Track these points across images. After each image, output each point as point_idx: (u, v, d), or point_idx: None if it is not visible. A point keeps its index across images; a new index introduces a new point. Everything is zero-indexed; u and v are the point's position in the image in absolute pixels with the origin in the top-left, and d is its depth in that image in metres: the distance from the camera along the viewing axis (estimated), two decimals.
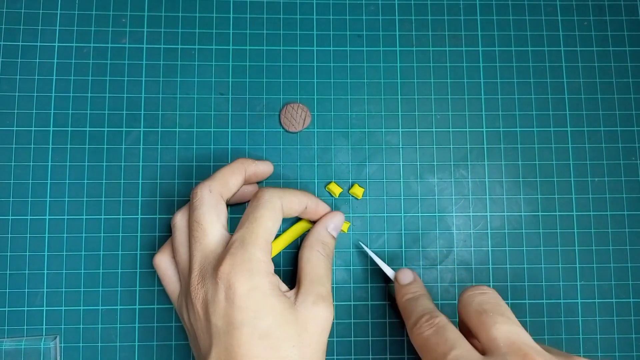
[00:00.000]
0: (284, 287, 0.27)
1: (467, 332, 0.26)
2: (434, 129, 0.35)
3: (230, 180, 0.29)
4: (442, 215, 0.34)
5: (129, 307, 0.32)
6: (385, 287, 0.33)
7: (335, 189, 0.33)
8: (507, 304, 0.33)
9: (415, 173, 0.34)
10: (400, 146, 0.34)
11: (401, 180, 0.34)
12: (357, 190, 0.33)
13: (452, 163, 0.34)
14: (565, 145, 0.35)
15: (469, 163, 0.34)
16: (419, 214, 0.34)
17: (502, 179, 0.34)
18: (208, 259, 0.27)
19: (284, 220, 0.32)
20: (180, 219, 0.29)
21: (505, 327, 0.24)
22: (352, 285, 0.33)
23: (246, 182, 0.31)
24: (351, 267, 0.33)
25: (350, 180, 0.34)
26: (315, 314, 0.27)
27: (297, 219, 0.32)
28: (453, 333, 0.25)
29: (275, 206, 0.28)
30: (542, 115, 0.35)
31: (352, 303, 0.33)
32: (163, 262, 0.29)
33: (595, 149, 0.35)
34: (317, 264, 0.29)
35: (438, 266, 0.33)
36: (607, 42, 0.36)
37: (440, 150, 0.34)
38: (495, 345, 0.24)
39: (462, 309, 0.26)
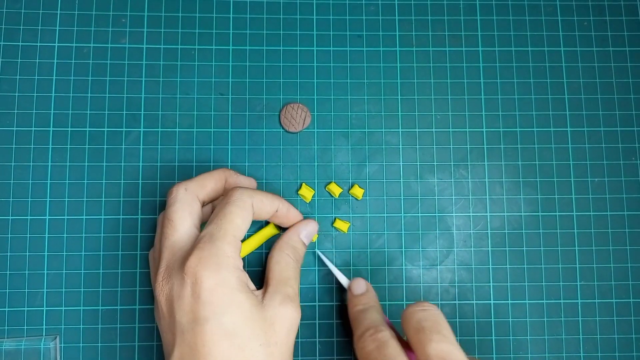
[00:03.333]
0: (252, 285, 0.27)
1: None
2: (434, 129, 0.35)
3: (208, 183, 0.29)
4: (442, 215, 0.34)
5: (129, 307, 0.32)
6: (385, 288, 0.33)
7: (335, 189, 0.33)
8: (507, 304, 0.33)
9: (415, 173, 0.34)
10: (400, 146, 0.34)
11: (401, 180, 0.34)
12: (357, 191, 0.33)
13: (452, 163, 0.34)
14: (565, 145, 0.35)
15: (469, 163, 0.34)
16: (419, 214, 0.34)
17: (502, 179, 0.34)
18: (175, 255, 0.27)
19: (253, 223, 0.32)
20: (160, 217, 0.29)
21: (440, 346, 0.24)
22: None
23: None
24: (351, 267, 0.33)
25: (350, 181, 0.34)
26: (283, 314, 0.27)
27: (266, 224, 0.33)
28: (393, 349, 0.25)
29: (246, 204, 0.28)
30: (542, 115, 0.35)
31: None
32: (150, 258, 0.30)
33: (595, 149, 0.35)
34: (285, 266, 0.29)
35: (438, 266, 0.33)
36: (607, 42, 0.36)
37: (440, 151, 0.34)
38: None
39: (404, 325, 0.26)
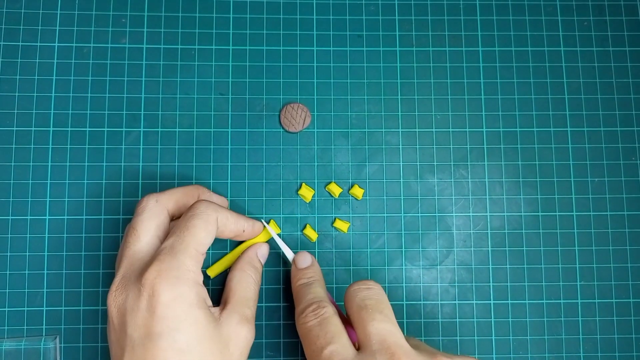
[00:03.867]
0: (209, 302, 0.27)
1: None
2: (434, 129, 0.35)
3: (180, 198, 0.29)
4: (442, 215, 0.34)
5: None
6: (386, 288, 0.33)
7: (335, 189, 0.33)
8: (507, 304, 0.33)
9: (415, 173, 0.34)
10: (400, 146, 0.34)
11: (401, 180, 0.34)
12: (357, 191, 0.33)
13: (452, 163, 0.34)
14: (565, 145, 0.35)
15: (469, 163, 0.34)
16: (419, 214, 0.34)
17: (502, 179, 0.34)
18: (134, 265, 0.26)
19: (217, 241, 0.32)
20: (127, 227, 0.29)
21: (381, 325, 0.24)
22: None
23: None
24: (351, 267, 0.33)
25: (350, 181, 0.34)
26: (239, 334, 0.26)
27: (238, 243, 0.32)
28: (335, 327, 0.25)
29: (210, 218, 0.27)
30: (542, 115, 0.35)
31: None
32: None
33: (595, 149, 0.35)
34: (247, 287, 0.28)
35: (438, 266, 0.33)
36: (607, 42, 0.36)
37: (440, 150, 0.34)
38: (369, 342, 0.24)
39: (346, 302, 0.26)
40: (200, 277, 0.26)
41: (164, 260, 0.25)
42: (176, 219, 0.30)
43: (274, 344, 0.32)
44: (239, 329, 0.26)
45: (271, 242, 0.32)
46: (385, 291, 0.33)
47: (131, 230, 0.27)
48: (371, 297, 0.26)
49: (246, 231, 0.30)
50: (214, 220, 0.27)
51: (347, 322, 0.27)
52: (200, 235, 0.26)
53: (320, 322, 0.26)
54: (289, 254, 0.31)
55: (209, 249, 0.32)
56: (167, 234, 0.28)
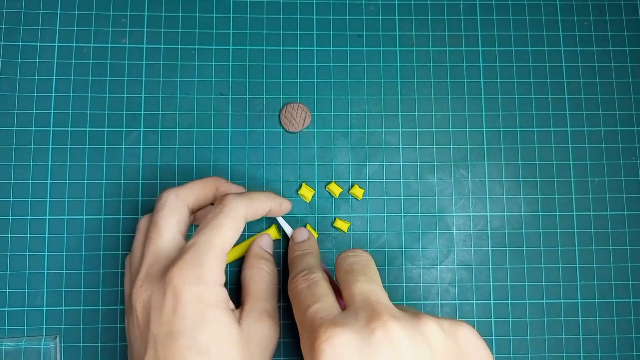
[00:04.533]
0: (232, 304, 0.27)
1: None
2: (434, 129, 0.35)
3: (199, 191, 0.29)
4: (442, 215, 0.34)
5: None
6: (386, 288, 0.33)
7: (335, 189, 0.33)
8: (507, 304, 0.33)
9: (415, 173, 0.34)
10: (400, 146, 0.34)
11: (401, 180, 0.34)
12: (357, 191, 0.33)
13: (452, 163, 0.34)
14: (565, 145, 0.35)
15: (469, 163, 0.34)
16: (419, 214, 0.34)
17: (502, 179, 0.34)
18: (159, 262, 0.26)
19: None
20: (143, 222, 0.29)
21: (365, 286, 0.25)
22: None
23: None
24: None
25: (350, 181, 0.34)
26: (259, 332, 0.26)
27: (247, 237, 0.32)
28: (322, 288, 0.25)
29: (239, 216, 0.27)
30: (542, 115, 0.35)
31: None
32: (126, 263, 0.29)
33: (595, 149, 0.35)
34: (260, 281, 0.28)
35: (438, 266, 0.33)
36: (607, 42, 0.36)
37: (440, 150, 0.34)
38: (353, 300, 0.24)
39: (335, 268, 0.27)
40: (222, 279, 0.26)
41: (187, 260, 0.25)
42: (195, 211, 0.30)
43: None
44: (259, 326, 0.26)
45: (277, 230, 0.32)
46: (386, 290, 0.33)
47: (153, 227, 0.27)
48: (358, 262, 0.26)
49: (272, 210, 0.30)
50: (243, 218, 0.27)
51: (337, 291, 0.27)
52: (228, 235, 0.26)
53: (309, 285, 0.26)
54: (288, 230, 0.32)
55: None
56: (187, 228, 0.28)
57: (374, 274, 0.26)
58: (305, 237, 0.31)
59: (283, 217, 0.32)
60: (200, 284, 0.24)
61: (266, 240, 0.31)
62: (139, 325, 0.25)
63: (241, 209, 0.27)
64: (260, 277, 0.29)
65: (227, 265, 0.33)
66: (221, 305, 0.25)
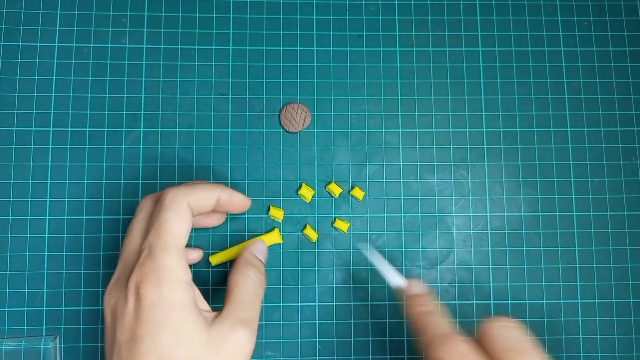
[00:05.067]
0: (204, 304, 0.26)
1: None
2: (434, 129, 0.35)
3: (204, 196, 0.27)
4: (442, 215, 0.34)
5: None
6: (385, 288, 0.33)
7: (335, 189, 0.33)
8: (508, 304, 0.33)
9: (415, 173, 0.34)
10: (400, 146, 0.34)
11: (401, 180, 0.34)
12: (358, 193, 0.33)
13: (452, 163, 0.34)
14: (565, 145, 0.35)
15: (469, 163, 0.34)
16: (419, 214, 0.34)
17: (502, 179, 0.34)
18: (126, 267, 0.25)
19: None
20: (146, 205, 0.27)
21: None
22: (352, 285, 0.33)
23: (218, 209, 0.29)
24: (351, 267, 0.33)
25: (350, 181, 0.34)
26: (232, 338, 0.25)
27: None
28: None
29: (181, 207, 0.25)
30: (542, 116, 0.35)
31: (352, 303, 0.33)
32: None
33: (595, 149, 0.35)
34: (244, 288, 0.27)
35: (438, 266, 0.33)
36: (607, 42, 0.36)
37: (440, 150, 0.34)
38: None
39: (487, 340, 0.24)
40: (187, 274, 0.25)
41: (143, 264, 0.24)
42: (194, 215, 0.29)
43: (274, 344, 0.32)
44: (233, 333, 0.25)
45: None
46: (385, 292, 0.33)
47: (127, 231, 0.27)
48: (518, 337, 0.24)
49: (221, 199, 0.28)
50: (186, 207, 0.26)
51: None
52: (176, 229, 0.25)
53: None
54: (396, 280, 0.30)
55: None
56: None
57: (537, 350, 0.24)
58: (422, 290, 0.28)
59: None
60: (162, 285, 0.24)
61: (259, 246, 0.30)
62: (108, 330, 0.25)
63: (181, 199, 0.26)
64: (245, 284, 0.27)
65: (210, 266, 0.33)
66: (187, 306, 0.24)
